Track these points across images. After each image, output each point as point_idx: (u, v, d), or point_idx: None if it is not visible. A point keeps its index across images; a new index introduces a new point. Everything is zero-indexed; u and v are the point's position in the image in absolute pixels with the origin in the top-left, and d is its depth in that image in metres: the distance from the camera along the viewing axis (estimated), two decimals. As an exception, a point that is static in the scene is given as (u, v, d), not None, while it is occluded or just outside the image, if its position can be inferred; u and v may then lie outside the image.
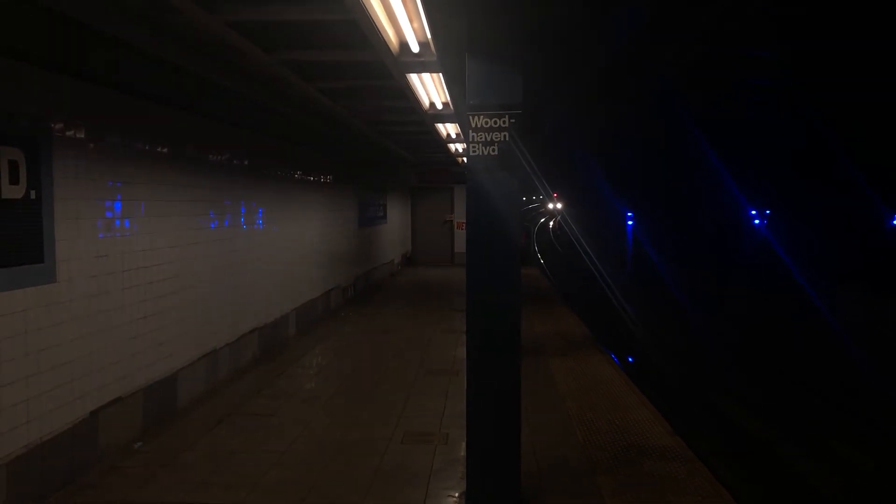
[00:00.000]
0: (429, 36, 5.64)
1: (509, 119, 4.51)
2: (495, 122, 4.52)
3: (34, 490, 4.76)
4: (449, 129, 12.05)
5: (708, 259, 26.07)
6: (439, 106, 9.36)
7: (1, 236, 4.44)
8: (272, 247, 9.64)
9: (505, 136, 4.51)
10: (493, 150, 4.52)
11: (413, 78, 7.36)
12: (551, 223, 72.72)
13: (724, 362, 13.38)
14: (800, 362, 12.99)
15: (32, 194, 4.73)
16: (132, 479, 5.26)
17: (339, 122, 11.26)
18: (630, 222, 42.43)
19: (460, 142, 13.56)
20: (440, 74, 7.12)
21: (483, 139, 4.53)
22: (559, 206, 65.97)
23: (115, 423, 5.77)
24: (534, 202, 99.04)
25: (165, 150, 6.61)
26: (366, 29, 5.26)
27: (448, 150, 15.42)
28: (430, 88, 8.22)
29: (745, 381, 12.05)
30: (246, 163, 8.68)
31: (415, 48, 6.03)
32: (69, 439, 5.15)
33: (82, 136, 5.32)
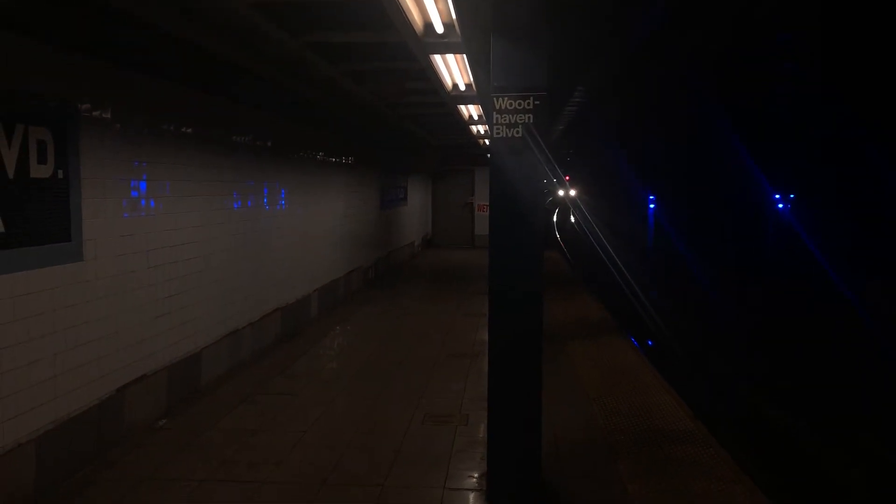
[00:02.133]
0: (454, 16, 5.60)
1: (533, 101, 4.48)
2: (519, 104, 4.49)
3: (62, 465, 4.85)
4: (471, 110, 12.00)
5: (730, 244, 25.83)
6: (462, 87, 9.31)
7: (29, 216, 4.50)
8: (295, 228, 9.68)
9: (529, 118, 4.48)
10: (517, 132, 4.49)
11: (436, 59, 7.33)
12: (571, 217, 54.28)
13: (747, 348, 13.29)
14: (824, 350, 12.86)
15: (60, 174, 4.78)
16: (157, 456, 5.35)
17: (361, 104, 11.24)
18: (651, 206, 42.07)
19: (482, 123, 13.50)
20: (464, 56, 7.08)
21: (507, 121, 4.50)
22: (572, 192, 50.77)
23: (141, 401, 5.86)
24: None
25: (190, 130, 6.65)
26: (390, 9, 5.23)
27: (470, 131, 15.36)
28: (453, 70, 8.18)
29: (767, 367, 11.96)
30: (269, 144, 8.70)
31: (439, 29, 6.00)
32: (95, 416, 5.23)
33: (109, 116, 5.36)
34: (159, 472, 5.05)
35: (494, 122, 4.52)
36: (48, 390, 4.72)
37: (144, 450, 5.46)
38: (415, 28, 5.84)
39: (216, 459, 5.29)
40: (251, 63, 7.41)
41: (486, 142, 16.62)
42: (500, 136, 4.52)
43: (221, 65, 7.03)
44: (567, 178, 47.40)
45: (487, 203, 4.82)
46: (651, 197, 41.26)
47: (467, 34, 5.89)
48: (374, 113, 12.48)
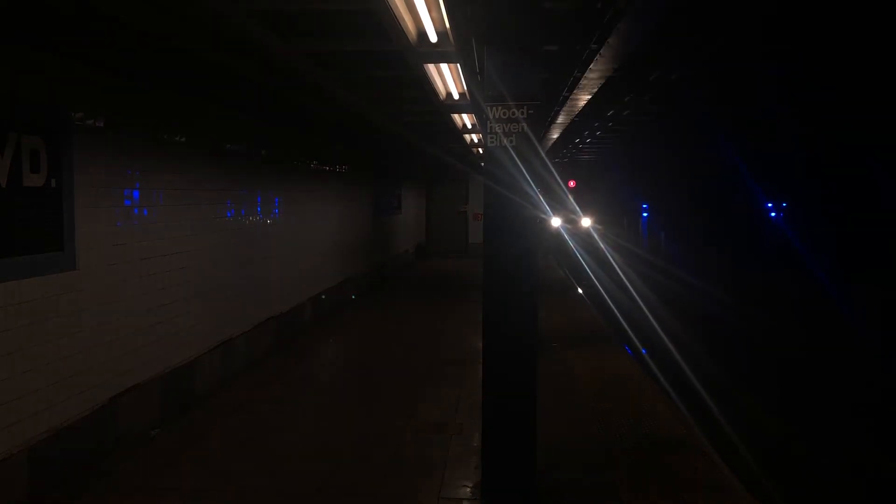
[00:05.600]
0: (447, 26, 5.61)
1: (527, 110, 4.50)
2: (513, 113, 4.51)
3: (55, 475, 4.82)
4: (465, 119, 12.01)
5: (725, 252, 25.89)
6: (456, 96, 9.32)
7: (22, 225, 4.49)
8: (288, 237, 9.67)
9: (522, 126, 4.50)
10: (511, 141, 4.51)
11: (430, 68, 7.34)
12: None
13: (740, 354, 13.31)
14: (817, 357, 12.89)
15: (53, 183, 4.77)
16: (151, 465, 5.32)
17: (355, 112, 11.24)
18: (644, 214, 41.95)
19: (476, 132, 13.51)
20: (458, 65, 7.09)
21: (501, 129, 4.52)
22: (587, 221, 26.17)
23: (134, 410, 5.83)
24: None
25: (183, 139, 6.64)
26: (384, 18, 5.24)
27: (464, 140, 15.37)
28: (447, 78, 8.19)
29: (760, 374, 11.98)
30: (263, 153, 8.70)
31: (433, 38, 6.00)
32: (89, 425, 5.20)
33: (102, 125, 5.35)
34: (153, 482, 5.03)
35: (489, 130, 4.54)
36: (41, 400, 4.70)
37: (138, 459, 5.43)
38: (409, 37, 5.85)
39: (210, 468, 5.27)
40: (246, 72, 7.41)
41: (481, 150, 16.64)
42: (495, 144, 4.54)
43: (216, 73, 7.03)
44: (571, 184, 26.22)
45: (481, 211, 4.83)
46: (644, 205, 41.03)
47: (461, 43, 5.90)
48: (367, 121, 12.49)
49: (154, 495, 4.83)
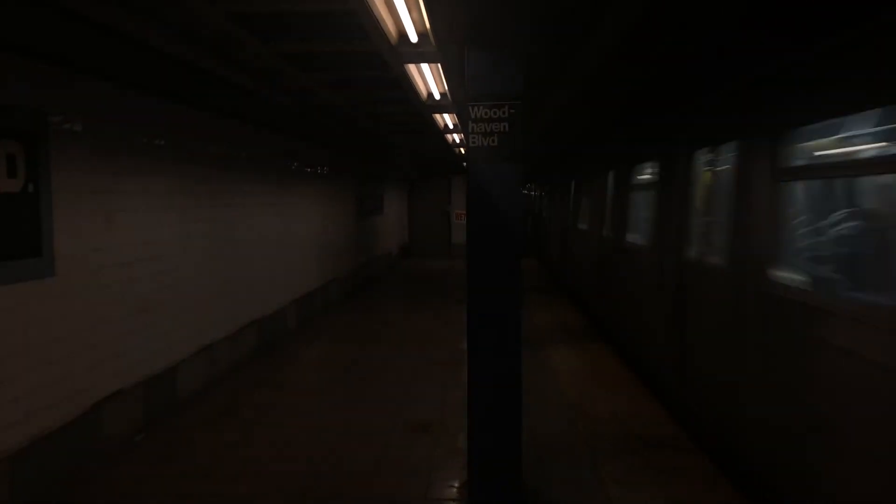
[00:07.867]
0: (428, 26, 5.61)
1: (509, 109, 4.50)
2: (495, 113, 4.50)
3: (36, 483, 4.77)
4: (447, 119, 12.02)
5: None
6: (437, 96, 9.32)
7: None
8: (270, 239, 9.62)
9: (505, 126, 4.49)
10: (493, 141, 4.51)
11: (411, 68, 7.33)
12: None
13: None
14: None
15: (30, 187, 4.72)
16: (135, 471, 5.27)
17: (336, 113, 11.22)
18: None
19: (458, 132, 13.52)
20: (439, 65, 7.09)
21: (483, 129, 4.51)
22: None
23: (117, 416, 5.78)
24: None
25: (163, 142, 6.59)
26: (364, 19, 5.23)
27: (446, 140, 15.38)
28: (428, 79, 8.18)
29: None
30: (244, 155, 8.64)
31: (413, 38, 6.00)
32: (71, 432, 5.15)
33: (80, 129, 5.29)
34: (137, 488, 4.98)
35: (470, 130, 4.53)
36: (21, 407, 4.64)
37: (122, 465, 5.38)
38: (389, 38, 5.84)
39: (195, 474, 5.23)
40: (225, 73, 7.37)
41: (463, 150, 16.65)
42: (477, 144, 4.53)
43: (195, 75, 6.98)
44: None
45: (464, 211, 4.83)
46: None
47: (442, 43, 5.90)
48: (348, 122, 12.47)
49: (139, 502, 4.78)
